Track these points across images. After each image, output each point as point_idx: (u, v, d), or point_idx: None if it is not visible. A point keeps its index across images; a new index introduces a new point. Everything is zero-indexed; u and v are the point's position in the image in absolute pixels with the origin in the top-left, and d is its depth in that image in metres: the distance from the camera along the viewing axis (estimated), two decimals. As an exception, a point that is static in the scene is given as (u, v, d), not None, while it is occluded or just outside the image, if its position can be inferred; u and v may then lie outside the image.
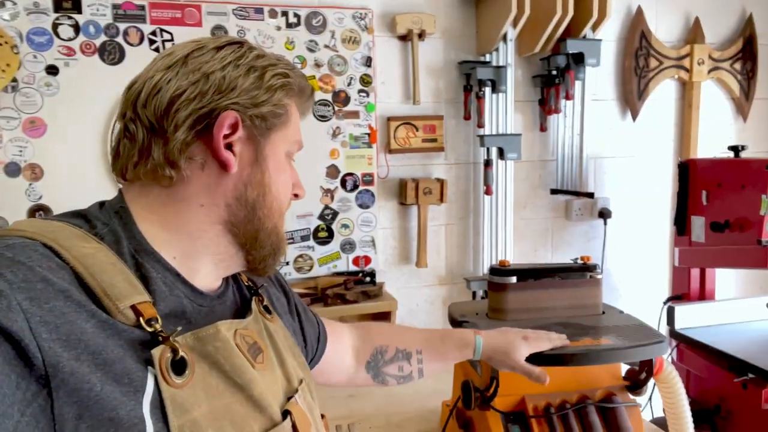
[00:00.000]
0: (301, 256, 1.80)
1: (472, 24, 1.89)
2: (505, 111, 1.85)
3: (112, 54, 1.59)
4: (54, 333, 0.44)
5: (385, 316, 1.84)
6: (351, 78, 1.78)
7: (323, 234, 1.81)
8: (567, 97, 1.84)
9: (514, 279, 1.18)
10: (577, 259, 1.23)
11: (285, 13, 1.71)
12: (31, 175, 1.56)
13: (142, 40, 1.61)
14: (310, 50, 1.74)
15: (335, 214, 1.82)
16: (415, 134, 1.83)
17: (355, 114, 1.80)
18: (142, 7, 1.60)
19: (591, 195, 1.90)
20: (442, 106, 1.89)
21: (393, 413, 1.47)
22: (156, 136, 0.56)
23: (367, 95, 1.80)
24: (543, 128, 1.98)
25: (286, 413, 0.61)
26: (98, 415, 0.45)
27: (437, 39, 1.86)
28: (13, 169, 1.54)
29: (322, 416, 0.74)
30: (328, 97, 1.77)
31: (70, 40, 1.56)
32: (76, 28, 1.56)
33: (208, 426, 0.51)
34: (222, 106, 0.56)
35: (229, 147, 0.57)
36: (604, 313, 1.22)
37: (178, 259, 0.57)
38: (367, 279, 1.83)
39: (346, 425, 1.11)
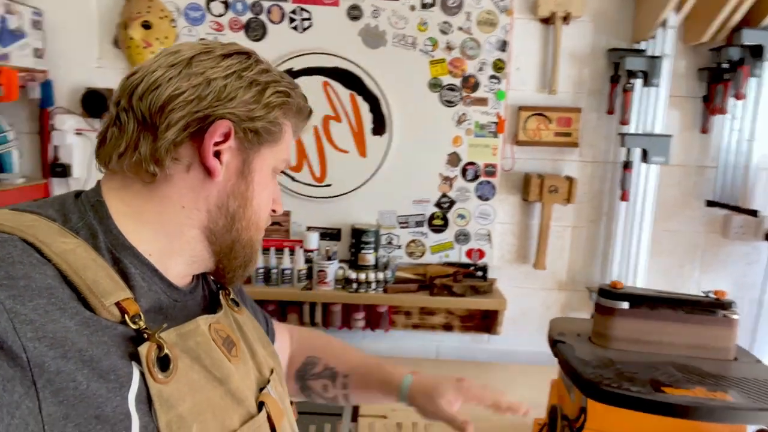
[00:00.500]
0: (413, 241, 1.78)
1: (630, 6, 1.68)
2: (655, 107, 1.63)
3: (255, 31, 1.68)
4: (39, 331, 0.44)
5: (492, 315, 1.77)
6: (483, 63, 1.69)
7: (438, 222, 1.77)
8: (737, 96, 1.56)
9: (625, 305, 1.05)
10: (709, 292, 1.06)
11: (422, -7, 1.67)
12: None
13: (282, 18, 1.68)
14: (443, 32, 1.68)
15: (452, 203, 1.76)
16: (548, 127, 1.70)
17: (483, 101, 1.71)
18: (290, -13, 1.67)
19: (755, 213, 1.61)
20: (583, 97, 1.72)
21: (482, 419, 1.42)
22: (146, 130, 0.56)
23: (499, 82, 1.70)
24: (704, 130, 1.71)
25: (261, 405, 0.62)
26: (84, 414, 0.45)
27: (585, 23, 1.69)
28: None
29: (291, 403, 0.74)
30: (457, 82, 1.70)
31: (220, 16, 1.68)
32: (226, 5, 1.67)
33: (192, 420, 0.51)
34: (218, 114, 0.56)
35: (217, 155, 0.57)
36: (736, 359, 1.04)
37: (154, 256, 0.57)
38: (479, 273, 1.77)
39: (422, 425, 1.09)
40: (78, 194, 0.58)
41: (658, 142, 1.58)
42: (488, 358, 1.85)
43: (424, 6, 1.67)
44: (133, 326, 0.50)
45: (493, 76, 1.70)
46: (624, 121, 1.65)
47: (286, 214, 1.77)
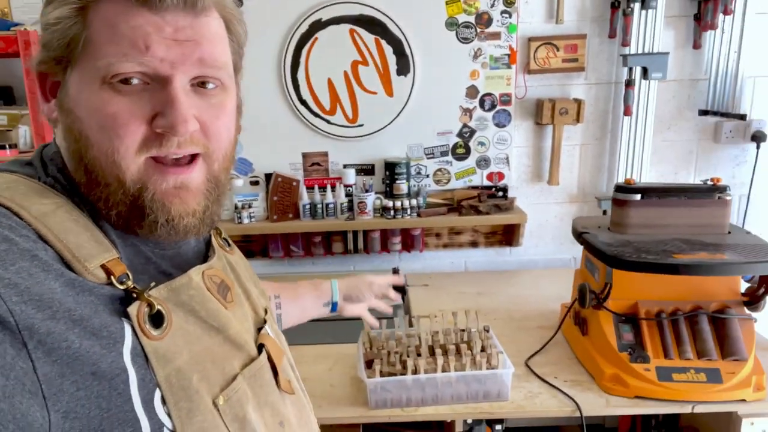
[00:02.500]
0: (440, 170, 1.98)
1: (626, -65, 1.82)
2: (653, 28, 1.80)
3: (283, -14, 1.82)
4: (25, 294, 0.43)
5: (514, 229, 1.99)
6: (494, -1, 1.85)
7: (461, 150, 1.97)
8: (725, 12, 1.73)
9: (637, 196, 1.26)
10: (707, 180, 1.27)
11: (433, -63, 1.80)
12: (222, 93, 1.89)
13: (307, -28, 1.81)
14: (456, -27, 1.82)
15: (473, 132, 1.96)
16: (556, 54, 1.87)
17: (496, 35, 1.88)
18: (307, -59, 1.79)
19: (743, 117, 1.81)
20: (587, 24, 1.88)
21: (515, 310, 1.67)
22: None
23: (510, 16, 1.86)
24: (696, 45, 1.89)
25: (260, 347, 0.63)
26: (80, 371, 0.45)
27: (586, -46, 1.83)
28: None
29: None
30: (471, 19, 1.86)
31: (250, -25, 1.81)
32: (255, -36, 1.80)
33: (192, 371, 0.52)
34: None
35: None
36: (730, 233, 1.26)
37: None
38: (500, 193, 1.98)
39: (474, 311, 1.32)
40: (44, 147, 0.57)
41: (657, 59, 1.77)
42: (511, 267, 2.09)
43: (437, -50, 1.81)
44: (121, 287, 0.50)
45: (504, 11, 1.85)
46: (625, 43, 1.82)
47: (324, 154, 1.96)
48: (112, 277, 0.49)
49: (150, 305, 0.50)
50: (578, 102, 1.87)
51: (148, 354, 0.49)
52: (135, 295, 0.50)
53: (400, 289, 1.78)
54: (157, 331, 0.50)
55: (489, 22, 1.87)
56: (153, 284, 0.53)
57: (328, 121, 1.91)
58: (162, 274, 0.57)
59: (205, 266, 0.60)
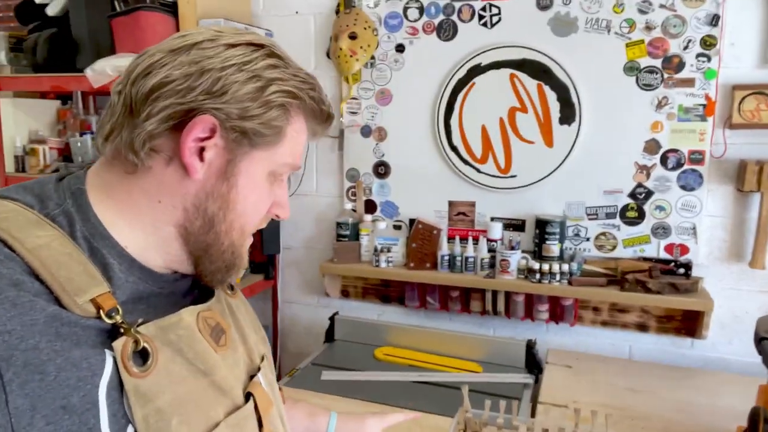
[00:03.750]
0: (603, 234, 1.71)
1: None
2: None
3: (446, 31, 1.79)
4: (8, 324, 0.43)
5: (696, 317, 1.61)
6: (689, 40, 1.55)
7: (632, 214, 1.67)
8: None
9: None
10: None
11: (618, -26, 1.59)
12: (378, 136, 1.91)
13: (472, 16, 1.75)
14: (642, 11, 1.58)
15: (649, 193, 1.65)
16: (771, 106, 1.49)
17: (688, 82, 1.57)
18: (477, -15, 1.74)
19: None
20: (820, 70, 1.47)
21: (677, 422, 1.32)
22: (130, 117, 0.53)
23: (708, 60, 1.54)
24: None
25: (248, 395, 0.60)
26: (51, 404, 0.44)
27: (824, -18, 1.44)
28: (366, 131, 1.92)
29: (279, 389, 0.73)
30: (657, 63, 1.59)
31: (415, 21, 1.81)
32: (421, 10, 1.80)
33: (173, 413, 0.50)
34: (203, 108, 0.52)
35: (202, 152, 0.54)
36: None
37: (131, 248, 0.55)
38: (680, 270, 1.62)
39: (603, 415, 1.06)
40: (61, 178, 0.57)
41: None
42: (690, 363, 1.68)
43: (620, -13, 1.60)
44: (109, 321, 0.49)
45: (701, 54, 1.55)
46: None
47: (471, 204, 1.83)
48: (101, 310, 0.49)
49: (136, 341, 0.49)
50: (799, 167, 1.45)
51: (128, 391, 0.48)
52: (122, 330, 0.49)
53: (535, 365, 1.55)
54: (141, 369, 0.49)
55: (680, 66, 1.57)
56: (141, 320, 0.51)
57: (477, 170, 1.79)
58: (154, 308, 0.56)
59: (202, 307, 0.59)
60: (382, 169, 1.92)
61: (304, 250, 2.08)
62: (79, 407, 0.45)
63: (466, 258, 1.77)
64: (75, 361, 0.46)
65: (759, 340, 0.96)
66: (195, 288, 0.64)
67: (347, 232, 1.91)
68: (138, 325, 0.51)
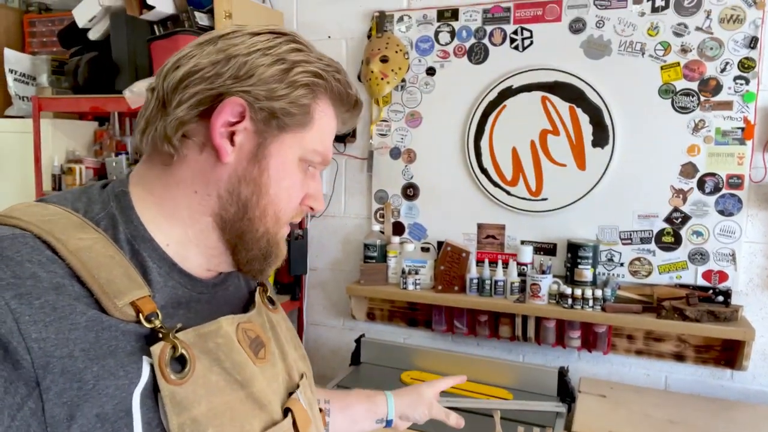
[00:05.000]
0: (638, 259, 1.66)
1: None
2: None
3: (477, 54, 1.79)
4: (44, 331, 0.43)
5: (736, 346, 1.54)
6: (726, 63, 1.53)
7: (668, 239, 1.63)
8: None
9: None
10: None
11: (652, -3, 1.59)
12: (407, 158, 1.91)
13: (504, 39, 1.75)
14: (677, 34, 1.57)
15: (686, 218, 1.61)
16: (814, 130, 1.45)
17: (726, 105, 1.54)
18: (508, 9, 1.74)
19: None
20: None
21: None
22: (163, 109, 0.54)
23: (747, 83, 1.51)
24: None
25: (287, 411, 0.58)
26: (87, 414, 0.44)
27: None
28: (396, 153, 1.93)
29: (320, 411, 0.71)
30: (693, 86, 1.56)
31: (446, 44, 1.83)
32: (452, 33, 1.82)
33: (208, 424, 0.49)
34: (232, 92, 0.53)
35: (232, 136, 0.54)
36: None
37: (171, 246, 0.55)
38: (719, 298, 1.56)
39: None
40: (106, 185, 0.58)
41: None
42: (730, 395, 1.61)
43: (655, 10, 1.59)
44: (148, 325, 0.49)
45: (739, 77, 1.52)
46: None
47: (501, 227, 1.81)
48: (140, 314, 0.49)
49: (174, 347, 0.49)
50: None
51: (164, 398, 0.47)
52: (161, 335, 0.49)
53: (568, 393, 1.51)
54: (178, 376, 0.48)
55: (717, 89, 1.54)
56: (180, 325, 0.51)
57: (508, 192, 1.77)
58: (193, 314, 0.55)
59: (242, 318, 0.58)
60: (410, 191, 1.91)
61: (330, 272, 2.07)
62: (112, 415, 0.45)
63: (496, 282, 1.74)
64: (112, 369, 0.45)
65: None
66: (236, 298, 0.64)
67: (375, 254, 1.90)
68: (177, 331, 0.50)
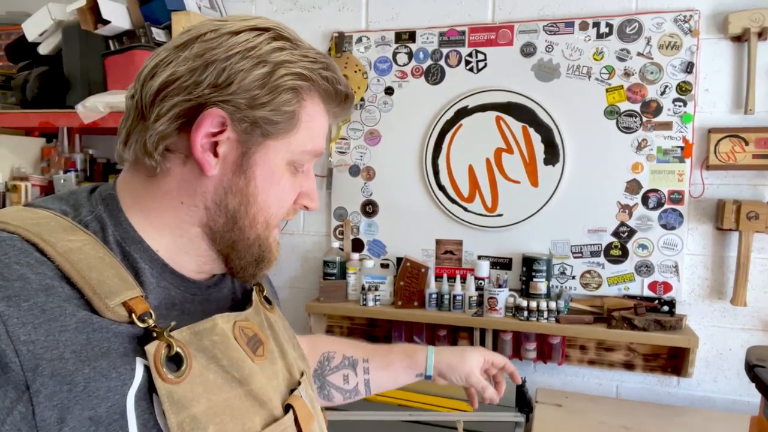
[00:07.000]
0: (589, 272, 1.73)
1: None
2: None
3: (434, 75, 1.85)
4: (33, 334, 0.42)
5: (681, 354, 1.62)
6: (666, 86, 1.63)
7: (616, 252, 1.70)
8: None
9: None
10: None
11: (596, 24, 1.68)
12: (366, 175, 1.93)
13: (459, 61, 1.82)
14: (620, 59, 1.67)
15: (632, 232, 1.69)
16: (744, 149, 1.56)
17: (666, 125, 1.64)
18: (463, 33, 1.81)
19: None
20: (788, 116, 1.55)
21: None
22: (142, 120, 0.52)
23: (684, 105, 1.62)
24: None
25: (288, 407, 0.58)
26: (79, 416, 0.43)
27: (787, 35, 1.54)
28: (354, 171, 1.95)
29: (322, 410, 0.71)
30: (636, 107, 1.66)
31: (404, 65, 1.88)
32: (410, 55, 1.87)
33: (208, 422, 0.48)
34: (211, 102, 0.51)
35: (215, 147, 0.52)
36: None
37: (162, 252, 0.54)
38: (665, 308, 1.64)
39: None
40: (93, 189, 0.57)
41: None
42: (677, 402, 1.68)
43: (600, 36, 1.68)
44: (141, 325, 0.48)
45: (677, 100, 1.63)
46: (843, 139, 1.45)
47: (459, 243, 1.85)
48: (133, 314, 0.48)
49: (169, 346, 0.48)
50: (774, 206, 1.51)
51: (162, 397, 0.46)
52: (155, 335, 0.48)
53: (526, 404, 1.54)
54: (175, 375, 0.48)
55: (658, 110, 1.65)
56: (174, 323, 0.50)
57: (465, 209, 1.82)
58: (187, 315, 0.54)
59: (239, 315, 0.57)
60: (369, 208, 1.93)
61: (288, 290, 2.06)
62: (106, 418, 0.44)
63: (454, 296, 1.77)
64: (104, 371, 0.44)
65: (751, 368, 0.97)
66: (231, 298, 0.63)
67: (334, 271, 1.90)
68: (171, 330, 0.49)
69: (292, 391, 0.61)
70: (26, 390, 0.41)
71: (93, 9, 1.70)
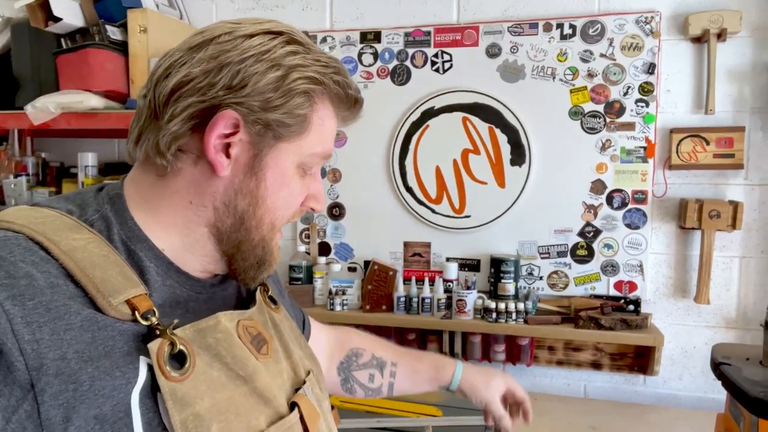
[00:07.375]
0: (556, 272, 1.73)
1: (799, 15, 1.54)
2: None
3: (400, 76, 1.83)
4: (37, 333, 0.42)
5: (647, 352, 1.63)
6: (628, 87, 1.65)
7: (582, 252, 1.71)
8: None
9: (805, 324, 0.93)
10: None
11: (560, 25, 1.69)
12: (332, 177, 1.90)
13: (425, 62, 1.80)
14: (584, 60, 1.68)
15: (597, 232, 1.70)
16: (705, 149, 1.58)
17: (630, 126, 1.66)
18: (428, 33, 1.80)
19: None
20: (746, 116, 1.58)
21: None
22: (155, 120, 0.53)
23: (647, 105, 1.64)
24: None
25: (293, 405, 0.58)
26: (84, 415, 0.43)
27: (743, 38, 1.57)
28: (321, 173, 1.91)
29: (332, 407, 0.72)
30: (599, 108, 1.67)
31: (370, 65, 1.85)
32: (375, 55, 1.84)
33: (212, 419, 0.48)
34: (225, 104, 0.51)
35: (228, 148, 0.53)
36: None
37: (167, 251, 0.55)
38: (630, 307, 1.65)
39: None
40: (101, 188, 0.57)
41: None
42: (644, 401, 1.69)
43: (564, 37, 1.69)
44: (144, 323, 0.48)
45: (640, 100, 1.64)
46: (798, 138, 1.48)
47: (427, 245, 1.83)
48: (136, 312, 0.48)
49: (172, 344, 0.48)
50: (734, 204, 1.54)
51: (165, 395, 0.46)
52: (158, 332, 0.48)
53: None
54: (178, 373, 0.48)
55: (621, 111, 1.66)
56: (176, 321, 0.50)
57: (433, 210, 1.80)
58: (192, 314, 0.54)
59: (242, 314, 0.58)
60: (336, 211, 1.90)
61: (255, 295, 2.00)
62: (111, 416, 0.44)
63: (423, 299, 1.75)
64: (108, 370, 0.45)
65: (716, 366, 0.98)
66: (236, 298, 0.63)
67: (301, 275, 1.86)
68: (174, 327, 0.49)
69: (297, 390, 0.61)
70: (31, 389, 0.41)
71: (43, 6, 1.62)
